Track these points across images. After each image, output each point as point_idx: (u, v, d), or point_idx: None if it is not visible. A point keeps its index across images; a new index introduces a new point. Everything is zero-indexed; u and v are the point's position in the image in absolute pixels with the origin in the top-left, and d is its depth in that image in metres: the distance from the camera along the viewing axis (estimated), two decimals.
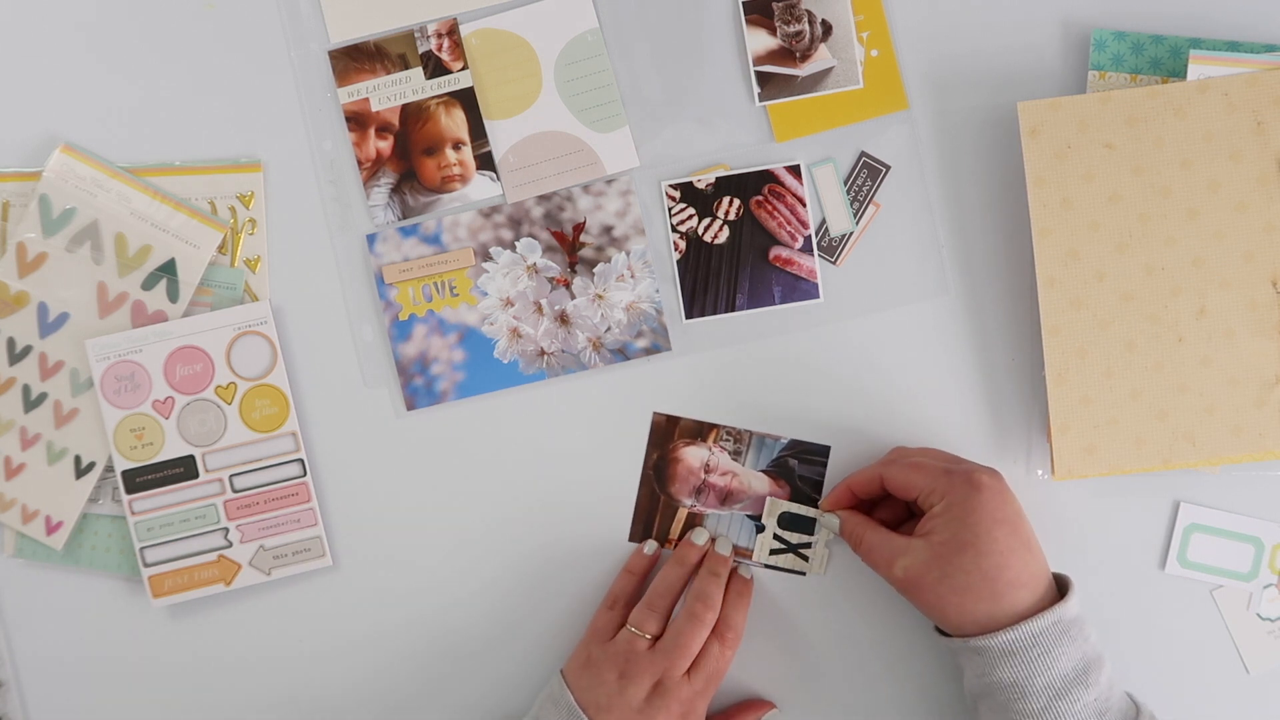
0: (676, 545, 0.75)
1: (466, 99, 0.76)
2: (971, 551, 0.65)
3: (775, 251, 0.76)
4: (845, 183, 0.76)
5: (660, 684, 0.69)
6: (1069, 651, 0.64)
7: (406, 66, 0.76)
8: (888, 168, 0.75)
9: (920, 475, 0.68)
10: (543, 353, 0.76)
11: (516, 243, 0.76)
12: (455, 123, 0.76)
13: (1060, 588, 0.67)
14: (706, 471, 0.75)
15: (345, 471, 0.77)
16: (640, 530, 0.76)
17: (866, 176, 0.75)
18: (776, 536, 0.75)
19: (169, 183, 0.76)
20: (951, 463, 0.69)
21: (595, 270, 0.76)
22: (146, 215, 0.76)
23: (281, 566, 0.76)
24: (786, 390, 0.76)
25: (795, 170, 0.75)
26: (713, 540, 0.75)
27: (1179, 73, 0.72)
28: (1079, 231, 0.71)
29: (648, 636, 0.70)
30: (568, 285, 0.76)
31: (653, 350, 0.76)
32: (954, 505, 0.66)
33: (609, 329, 0.76)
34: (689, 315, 0.76)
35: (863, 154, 0.75)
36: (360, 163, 0.76)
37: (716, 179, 0.76)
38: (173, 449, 0.76)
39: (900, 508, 0.73)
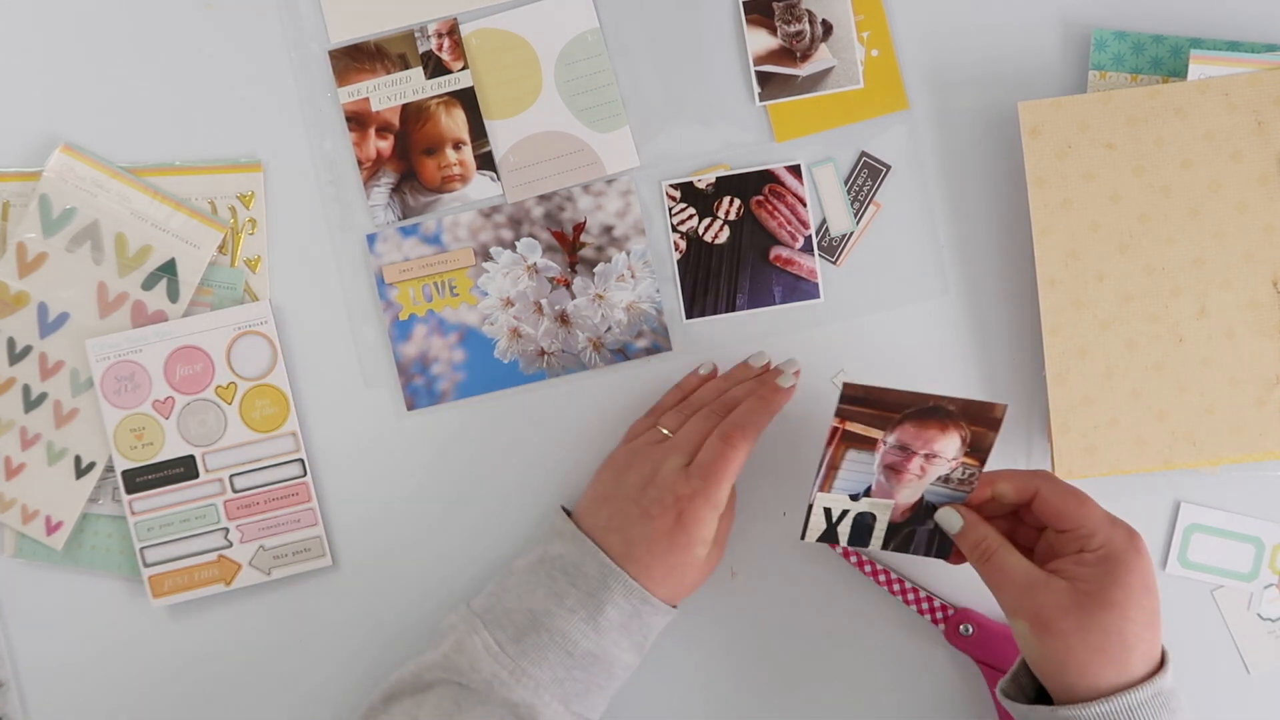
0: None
1: (466, 99, 0.76)
2: (1118, 613, 0.60)
3: (775, 251, 0.76)
4: (845, 183, 0.76)
5: (657, 474, 0.67)
6: None
7: (406, 66, 0.76)
8: (888, 168, 0.75)
9: (1086, 510, 0.63)
10: (543, 353, 0.76)
11: (516, 243, 0.76)
12: (455, 123, 0.76)
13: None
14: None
15: (345, 471, 0.77)
16: None
17: (866, 176, 0.75)
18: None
19: (169, 183, 0.76)
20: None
21: (595, 270, 0.76)
22: (146, 215, 0.76)
23: (281, 566, 0.76)
24: None
25: (795, 170, 0.75)
26: (770, 365, 0.73)
27: (1179, 72, 0.72)
28: (1079, 231, 0.71)
29: (666, 433, 0.69)
30: (568, 285, 0.76)
31: (653, 350, 0.76)
32: (1112, 558, 0.61)
33: (609, 329, 0.76)
34: (689, 315, 0.76)
35: (863, 154, 0.75)
36: (360, 163, 0.76)
37: (717, 179, 0.76)
38: (173, 449, 0.76)
39: (1004, 517, 0.67)
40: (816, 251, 0.76)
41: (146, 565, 0.76)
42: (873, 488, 0.66)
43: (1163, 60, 0.73)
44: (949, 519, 0.66)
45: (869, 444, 0.65)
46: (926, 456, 0.65)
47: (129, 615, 0.77)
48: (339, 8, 0.76)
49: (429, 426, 0.77)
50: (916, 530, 0.67)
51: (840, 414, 0.64)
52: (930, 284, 0.76)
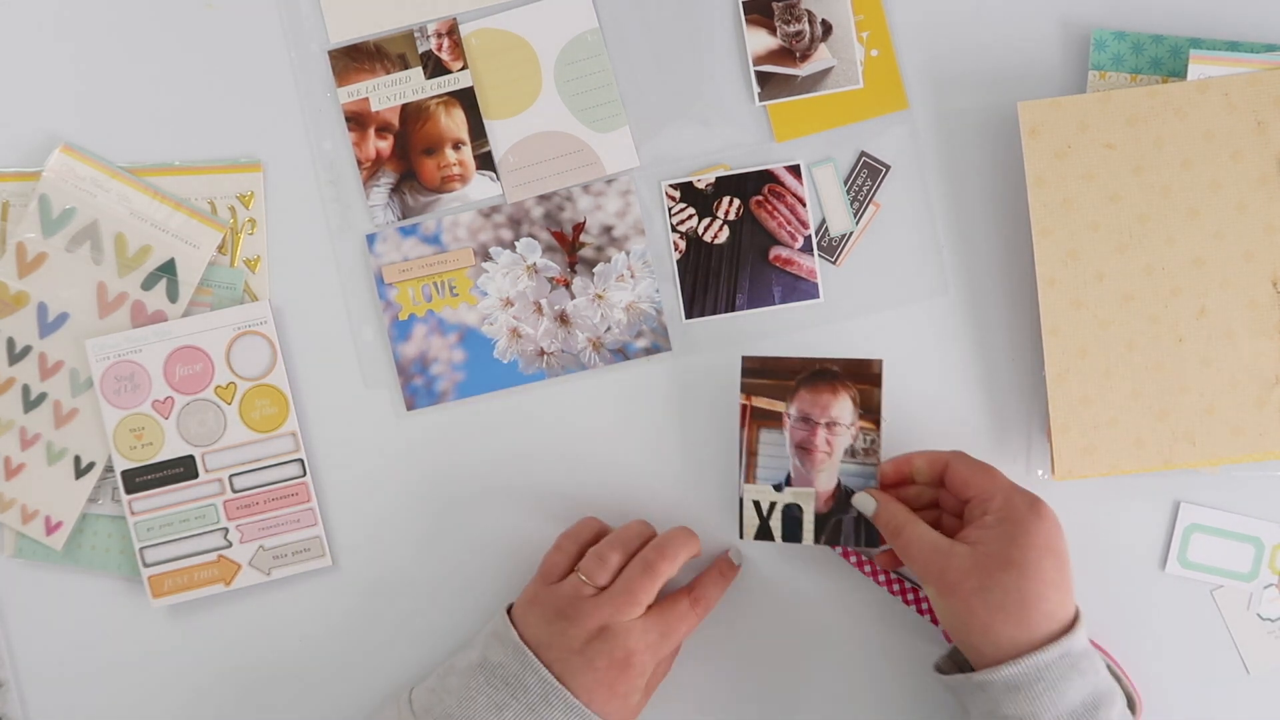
0: None
1: (466, 99, 0.76)
2: (1015, 572, 0.63)
3: (775, 251, 0.76)
4: (845, 183, 0.76)
5: (608, 628, 0.67)
6: (1077, 685, 0.63)
7: (406, 66, 0.76)
8: (888, 168, 0.75)
9: (987, 478, 0.67)
10: (542, 353, 0.76)
11: (516, 243, 0.76)
12: (455, 123, 0.76)
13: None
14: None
15: (345, 471, 0.77)
16: None
17: (866, 176, 0.75)
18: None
19: (169, 183, 0.76)
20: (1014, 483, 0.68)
21: (595, 270, 0.76)
22: (146, 215, 0.76)
23: (281, 566, 0.76)
24: None
25: (795, 170, 0.75)
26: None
27: (1179, 72, 0.72)
28: (1079, 231, 0.71)
29: (594, 585, 0.68)
30: (568, 285, 0.76)
31: (653, 350, 0.76)
32: (1009, 520, 0.64)
33: (609, 329, 0.76)
34: (689, 315, 0.76)
35: (863, 154, 0.75)
36: (360, 163, 0.76)
37: (716, 179, 0.76)
38: (172, 449, 0.76)
39: (930, 508, 0.71)
40: (816, 251, 0.76)
41: (146, 565, 0.76)
42: (791, 475, 0.71)
43: (1162, 60, 0.73)
44: (863, 502, 0.69)
45: (776, 420, 0.71)
46: (828, 426, 0.71)
47: (129, 615, 0.77)
48: (339, 8, 0.76)
49: (429, 426, 0.77)
50: (843, 520, 0.71)
51: (745, 389, 0.71)
52: (930, 284, 0.76)
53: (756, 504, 0.71)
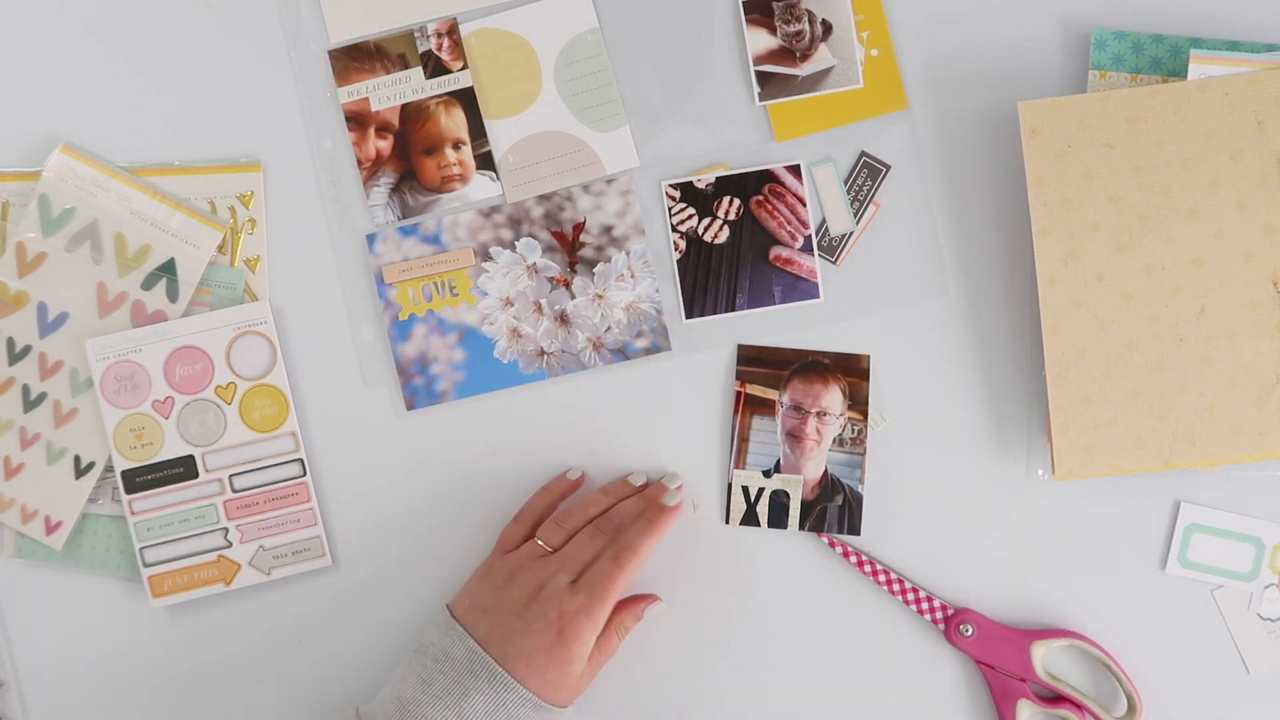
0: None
1: (466, 99, 0.76)
2: None
3: (775, 251, 0.76)
4: (845, 183, 0.76)
5: (544, 588, 0.68)
6: None
7: (406, 66, 0.76)
8: (888, 168, 0.75)
9: None
10: (542, 353, 0.76)
11: (516, 242, 0.76)
12: (455, 122, 0.76)
13: None
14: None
15: (345, 471, 0.77)
16: None
17: (866, 176, 0.75)
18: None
19: (169, 183, 0.76)
20: None
21: (595, 270, 0.76)
22: (146, 215, 0.76)
23: (281, 566, 0.76)
24: None
25: (795, 170, 0.75)
26: (648, 483, 0.75)
27: (1179, 72, 0.72)
28: (1079, 231, 0.71)
29: (549, 549, 0.70)
30: (568, 285, 0.76)
31: (653, 350, 0.76)
32: None
33: (609, 329, 0.76)
34: (689, 315, 0.76)
35: (863, 154, 0.75)
36: (360, 162, 0.76)
37: (716, 179, 0.76)
38: (172, 449, 0.76)
39: None
40: (816, 251, 0.76)
41: (146, 565, 0.76)
42: (780, 462, 0.74)
43: (1163, 60, 0.73)
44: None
45: (769, 408, 0.74)
46: (818, 415, 0.74)
47: (129, 615, 0.77)
48: (339, 8, 0.76)
49: (428, 426, 0.77)
50: (828, 508, 0.74)
51: (740, 376, 0.74)
52: (930, 284, 0.76)
53: (745, 489, 0.74)
